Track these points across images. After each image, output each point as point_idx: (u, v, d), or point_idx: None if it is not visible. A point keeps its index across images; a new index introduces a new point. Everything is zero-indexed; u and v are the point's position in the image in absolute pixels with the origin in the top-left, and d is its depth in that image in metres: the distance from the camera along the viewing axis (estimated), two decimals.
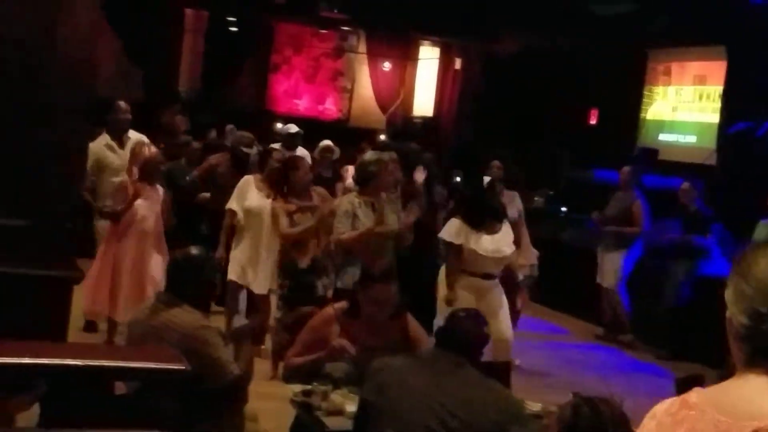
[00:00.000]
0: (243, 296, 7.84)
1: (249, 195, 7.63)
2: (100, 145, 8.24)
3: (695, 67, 14.80)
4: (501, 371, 6.12)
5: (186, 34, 18.91)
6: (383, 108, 20.68)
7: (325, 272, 7.28)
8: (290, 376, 4.66)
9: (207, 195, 8.99)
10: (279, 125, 11.39)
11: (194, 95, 18.40)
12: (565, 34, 15.40)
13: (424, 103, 20.56)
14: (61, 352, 2.89)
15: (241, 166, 8.51)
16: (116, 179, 7.93)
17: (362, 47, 20.65)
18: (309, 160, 9.99)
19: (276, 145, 9.76)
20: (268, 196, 7.59)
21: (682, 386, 5.04)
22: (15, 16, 3.63)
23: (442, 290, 6.99)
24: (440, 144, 18.55)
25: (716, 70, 14.13)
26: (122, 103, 8.63)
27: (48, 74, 3.77)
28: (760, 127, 11.72)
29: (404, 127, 20.15)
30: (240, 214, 7.65)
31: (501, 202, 7.29)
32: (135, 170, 7.70)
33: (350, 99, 20.81)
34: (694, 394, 1.83)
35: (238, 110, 18.12)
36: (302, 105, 20.52)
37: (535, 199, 13.44)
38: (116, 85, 16.85)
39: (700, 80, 14.70)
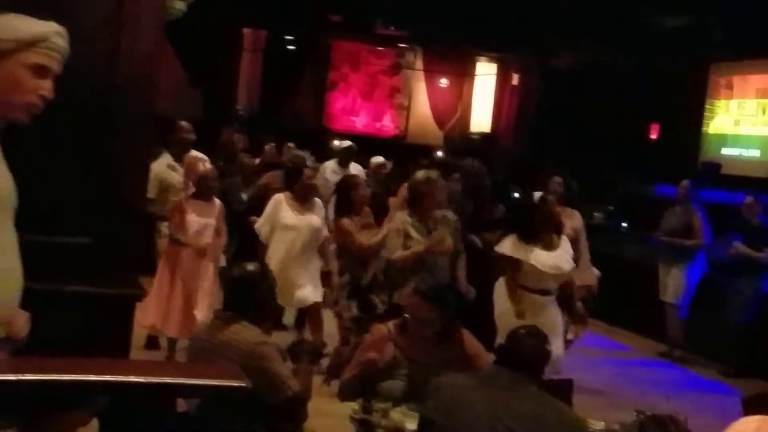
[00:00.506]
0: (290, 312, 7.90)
1: (283, 213, 7.64)
2: (162, 165, 8.25)
3: (758, 80, 14.59)
4: (563, 389, 6.06)
5: (244, 53, 19.15)
6: (440, 124, 20.69)
7: (382, 289, 7.28)
8: (343, 394, 4.66)
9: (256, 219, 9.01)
10: (336, 142, 11.47)
11: (253, 113, 18.59)
12: (624, 47, 15.28)
13: (481, 119, 20.53)
14: (122, 368, 2.91)
15: (294, 184, 8.54)
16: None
17: (419, 64, 20.70)
18: (363, 176, 10.10)
19: (310, 162, 10.13)
20: (301, 213, 7.62)
21: (750, 404, 4.96)
22: (79, 39, 3.68)
23: (498, 306, 6.97)
24: (498, 160, 18.50)
25: None
26: (184, 123, 8.65)
27: (110, 95, 3.83)
28: None
29: (462, 144, 20.13)
30: (268, 233, 7.65)
31: (555, 217, 7.20)
32: (190, 185, 7.78)
33: (407, 116, 20.86)
34: None
35: (297, 128, 18.27)
36: (359, 122, 20.62)
37: (595, 214, 13.33)
38: (176, 104, 17.10)
39: (763, 93, 14.48)
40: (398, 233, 6.79)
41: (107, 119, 3.82)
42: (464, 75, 20.78)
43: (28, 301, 2.80)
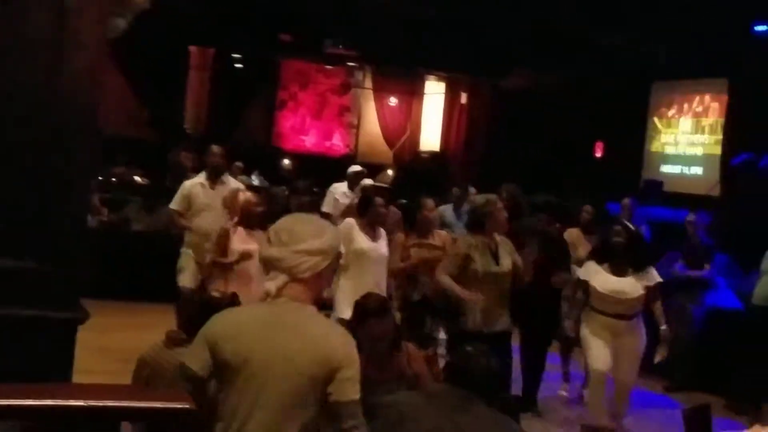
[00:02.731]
0: None
1: (356, 238, 7.72)
2: (195, 182, 8.77)
3: (698, 99, 14.87)
4: (511, 407, 6.11)
5: (191, 71, 19.04)
6: (390, 143, 20.75)
7: (437, 312, 7.45)
8: None
9: None
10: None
11: (201, 132, 18.49)
12: (571, 68, 15.48)
13: (430, 137, 20.64)
14: (64, 392, 2.89)
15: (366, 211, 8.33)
16: (201, 215, 8.47)
17: (368, 83, 20.77)
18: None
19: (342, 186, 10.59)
20: (373, 239, 7.76)
21: (690, 417, 5.05)
22: (16, 59, 3.65)
23: (584, 328, 7.30)
24: (448, 178, 18.60)
25: (718, 101, 14.20)
26: (215, 147, 9.02)
27: (52, 113, 3.80)
28: (763, 158, 11.74)
29: (412, 162, 20.21)
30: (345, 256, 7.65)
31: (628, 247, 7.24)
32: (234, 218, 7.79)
33: (357, 134, 20.91)
34: None
35: (246, 147, 18.19)
36: (309, 141, 20.62)
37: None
38: (124, 124, 16.98)
39: (704, 112, 14.76)
40: (457, 257, 6.85)
41: (49, 139, 3.78)
42: (413, 94, 20.89)
43: None
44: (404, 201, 11.39)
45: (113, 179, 13.96)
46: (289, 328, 3.12)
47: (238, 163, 15.13)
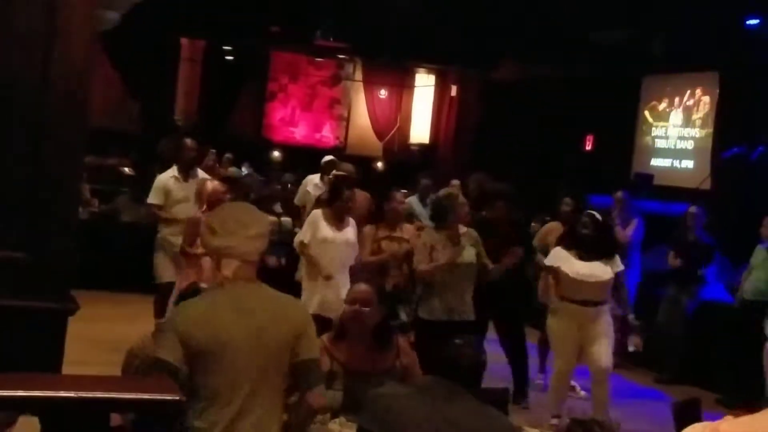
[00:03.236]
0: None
1: (320, 227, 7.85)
2: (168, 176, 8.92)
3: (689, 92, 14.89)
4: (499, 398, 6.12)
5: (182, 63, 19.00)
6: (380, 135, 20.74)
7: (408, 301, 7.59)
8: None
9: None
10: (276, 153, 11.58)
11: (191, 124, 18.45)
12: (562, 61, 15.49)
13: (420, 130, 20.64)
14: (53, 383, 2.88)
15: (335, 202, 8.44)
16: (177, 207, 8.61)
17: (358, 75, 20.74)
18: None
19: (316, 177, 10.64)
20: (338, 229, 7.86)
21: (679, 410, 5.06)
22: (5, 51, 3.64)
23: (551, 320, 7.45)
24: (438, 171, 18.60)
25: (710, 95, 14.22)
26: (189, 141, 9.22)
27: (43, 106, 3.79)
28: (754, 152, 11.77)
29: (401, 155, 20.21)
30: (312, 246, 7.86)
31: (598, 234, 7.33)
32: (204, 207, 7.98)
33: (347, 127, 20.88)
34: (725, 424, 1.80)
35: (235, 139, 18.16)
36: (299, 133, 20.59)
37: (532, 225, 13.44)
38: (115, 116, 16.93)
39: (695, 106, 14.78)
40: (425, 248, 7.13)
41: (39, 131, 3.77)
42: (403, 86, 20.88)
43: None
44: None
45: (103, 171, 13.93)
46: (256, 307, 3.46)
47: (228, 155, 15.12)
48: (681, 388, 8.80)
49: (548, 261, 7.46)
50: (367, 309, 4.72)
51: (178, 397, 2.94)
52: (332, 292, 7.69)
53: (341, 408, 4.51)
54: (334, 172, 9.80)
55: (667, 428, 5.28)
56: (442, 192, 7.66)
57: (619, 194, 10.29)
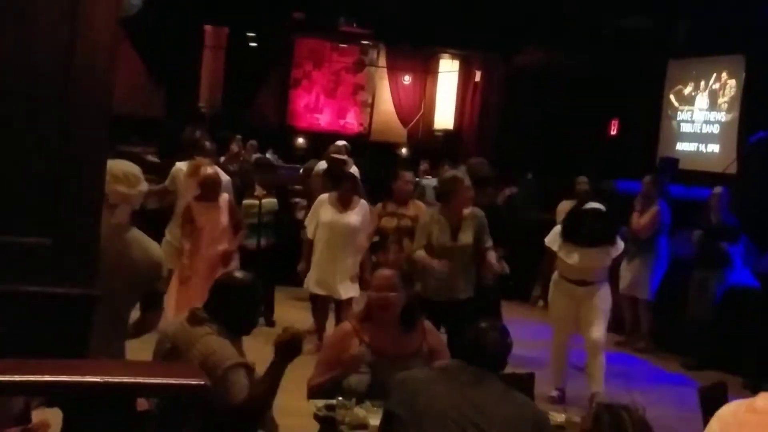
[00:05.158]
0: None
1: (322, 211, 8.30)
2: (182, 167, 9.06)
3: (714, 76, 14.75)
4: (525, 383, 6.11)
5: (206, 50, 19.03)
6: (404, 122, 20.71)
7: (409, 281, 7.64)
8: (313, 396, 4.64)
9: None
10: (300, 139, 11.52)
11: (215, 111, 18.49)
12: (586, 45, 15.38)
13: (444, 116, 20.58)
14: (80, 369, 2.90)
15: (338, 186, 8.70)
16: (182, 201, 8.68)
17: (382, 61, 20.70)
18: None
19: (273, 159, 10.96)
20: (341, 211, 8.27)
21: (706, 395, 5.03)
22: (29, 39, 3.64)
23: (552, 293, 7.98)
24: (462, 157, 18.54)
25: (735, 78, 14.09)
26: (207, 143, 9.46)
27: (66, 91, 3.79)
28: None
29: (426, 141, 20.17)
30: (313, 229, 8.36)
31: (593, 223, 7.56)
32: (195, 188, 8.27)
33: (371, 113, 20.86)
34: (761, 400, 1.79)
35: (260, 125, 18.19)
36: (323, 120, 20.58)
37: (557, 210, 13.39)
38: (139, 103, 17.00)
39: (720, 89, 14.64)
40: (423, 229, 7.20)
41: (63, 118, 3.78)
42: (427, 72, 20.82)
43: None
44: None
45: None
46: (136, 246, 4.36)
47: (253, 142, 15.13)
48: (707, 373, 8.75)
49: (548, 241, 7.77)
50: (393, 294, 4.74)
51: (203, 382, 2.95)
52: (327, 271, 8.27)
53: (368, 392, 4.51)
54: (330, 155, 9.89)
55: (694, 413, 5.25)
56: (448, 174, 7.66)
57: (647, 178, 10.24)
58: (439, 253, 7.02)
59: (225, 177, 9.15)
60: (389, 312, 4.74)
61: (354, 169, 10.48)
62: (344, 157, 9.91)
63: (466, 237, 7.11)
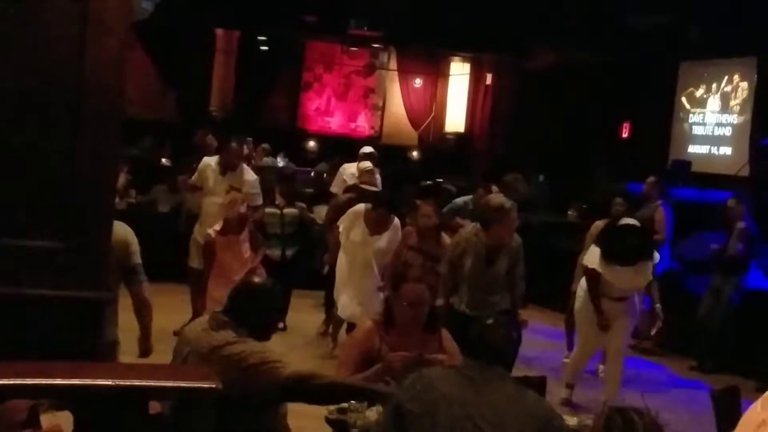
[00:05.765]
0: None
1: (355, 229, 8.10)
2: (210, 163, 9.08)
3: (726, 78, 14.70)
4: (537, 386, 6.09)
5: (217, 54, 19.05)
6: (415, 125, 20.69)
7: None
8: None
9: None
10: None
11: (226, 114, 18.52)
12: (597, 47, 15.35)
13: (455, 119, 20.54)
14: (92, 372, 2.90)
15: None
16: (210, 199, 8.82)
17: (393, 64, 20.69)
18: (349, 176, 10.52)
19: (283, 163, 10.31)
20: (373, 234, 8.06)
21: (719, 399, 5.01)
22: (40, 42, 3.66)
23: (577, 304, 7.84)
24: (473, 160, 18.53)
25: (748, 81, 14.04)
26: (234, 145, 9.20)
27: (78, 96, 3.81)
28: None
29: (437, 144, 20.16)
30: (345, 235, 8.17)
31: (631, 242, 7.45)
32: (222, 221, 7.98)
33: (382, 116, 20.84)
34: None
35: (271, 128, 18.21)
36: (334, 123, 20.59)
37: (569, 213, 13.39)
38: (150, 107, 17.04)
39: (732, 91, 14.60)
40: (456, 247, 7.02)
41: (76, 121, 3.79)
42: (438, 75, 20.80)
43: None
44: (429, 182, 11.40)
45: (140, 162, 14.02)
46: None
47: (265, 145, 15.17)
48: (720, 377, 8.72)
49: (588, 262, 7.60)
50: (423, 307, 4.76)
51: (214, 385, 2.96)
52: (349, 294, 8.12)
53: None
54: (361, 184, 9.74)
55: (707, 417, 5.23)
56: (493, 201, 7.11)
57: (650, 180, 10.26)
58: (469, 279, 6.92)
59: (252, 176, 9.20)
60: (416, 322, 4.76)
61: (377, 178, 10.46)
62: (374, 188, 9.74)
63: (501, 264, 6.94)
